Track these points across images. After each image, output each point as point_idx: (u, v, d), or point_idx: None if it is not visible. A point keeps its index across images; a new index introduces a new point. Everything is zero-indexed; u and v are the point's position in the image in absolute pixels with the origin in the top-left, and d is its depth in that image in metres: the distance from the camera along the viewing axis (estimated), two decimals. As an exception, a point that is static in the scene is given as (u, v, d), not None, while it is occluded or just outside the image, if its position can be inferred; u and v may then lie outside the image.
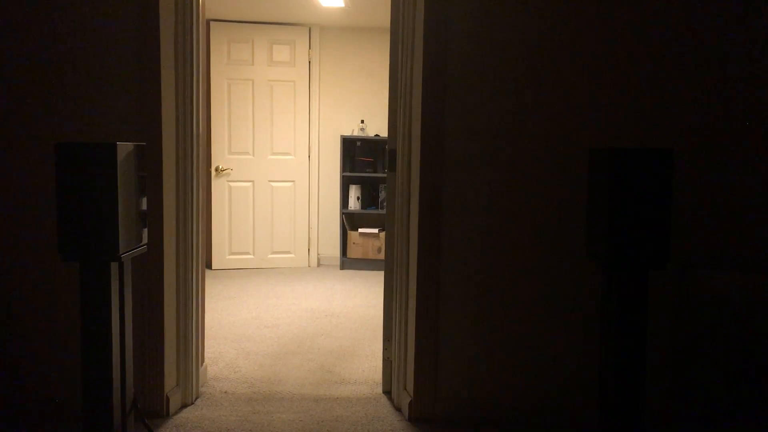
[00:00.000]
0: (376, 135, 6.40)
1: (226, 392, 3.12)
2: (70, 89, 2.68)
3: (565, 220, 2.73)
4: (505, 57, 2.68)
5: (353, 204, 6.41)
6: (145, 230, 2.26)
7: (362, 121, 6.44)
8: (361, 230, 6.40)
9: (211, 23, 6.10)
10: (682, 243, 2.69)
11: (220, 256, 6.26)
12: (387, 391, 3.14)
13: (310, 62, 6.38)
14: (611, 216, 1.97)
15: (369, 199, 6.50)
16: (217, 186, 6.22)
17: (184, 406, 2.92)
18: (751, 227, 2.67)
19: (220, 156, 6.22)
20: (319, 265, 6.59)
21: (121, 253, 2.03)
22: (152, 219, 2.68)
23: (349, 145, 6.39)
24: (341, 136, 6.30)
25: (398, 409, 2.94)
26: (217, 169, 6.19)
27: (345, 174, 6.36)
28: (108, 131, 2.69)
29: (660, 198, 1.96)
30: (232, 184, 6.26)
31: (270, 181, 6.36)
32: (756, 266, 2.67)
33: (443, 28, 2.67)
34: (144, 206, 2.25)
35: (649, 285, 2.10)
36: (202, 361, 3.17)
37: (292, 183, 6.42)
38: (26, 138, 2.69)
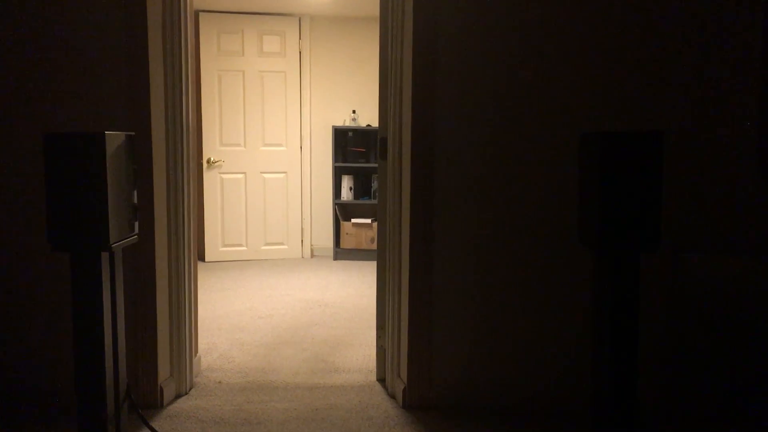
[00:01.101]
0: (368, 125, 6.38)
1: (220, 382, 3.12)
2: (59, 81, 2.66)
3: (561, 207, 2.73)
4: (495, 42, 2.68)
5: (346, 194, 6.41)
6: (136, 222, 2.25)
7: (354, 111, 6.43)
8: (354, 220, 6.40)
9: (200, 14, 6.06)
10: (675, 228, 2.70)
11: (213, 248, 6.25)
12: (381, 379, 3.15)
13: (300, 52, 6.35)
14: (601, 200, 1.97)
15: (362, 189, 6.49)
16: (209, 178, 6.19)
17: (178, 396, 2.93)
18: (743, 211, 2.69)
19: (211, 148, 6.20)
20: (312, 255, 6.59)
21: (111, 242, 2.02)
22: (143, 209, 2.67)
23: (341, 136, 6.38)
24: (333, 126, 6.28)
25: (392, 397, 2.95)
26: (208, 161, 6.17)
27: (337, 164, 6.35)
28: (97, 122, 2.67)
29: (651, 181, 1.96)
30: (224, 175, 6.24)
31: (262, 172, 6.34)
32: (748, 249, 2.69)
33: (432, 15, 2.66)
34: (135, 198, 2.24)
35: (641, 271, 2.12)
36: (196, 351, 3.17)
37: (284, 174, 6.40)
38: (15, 128, 2.67)
